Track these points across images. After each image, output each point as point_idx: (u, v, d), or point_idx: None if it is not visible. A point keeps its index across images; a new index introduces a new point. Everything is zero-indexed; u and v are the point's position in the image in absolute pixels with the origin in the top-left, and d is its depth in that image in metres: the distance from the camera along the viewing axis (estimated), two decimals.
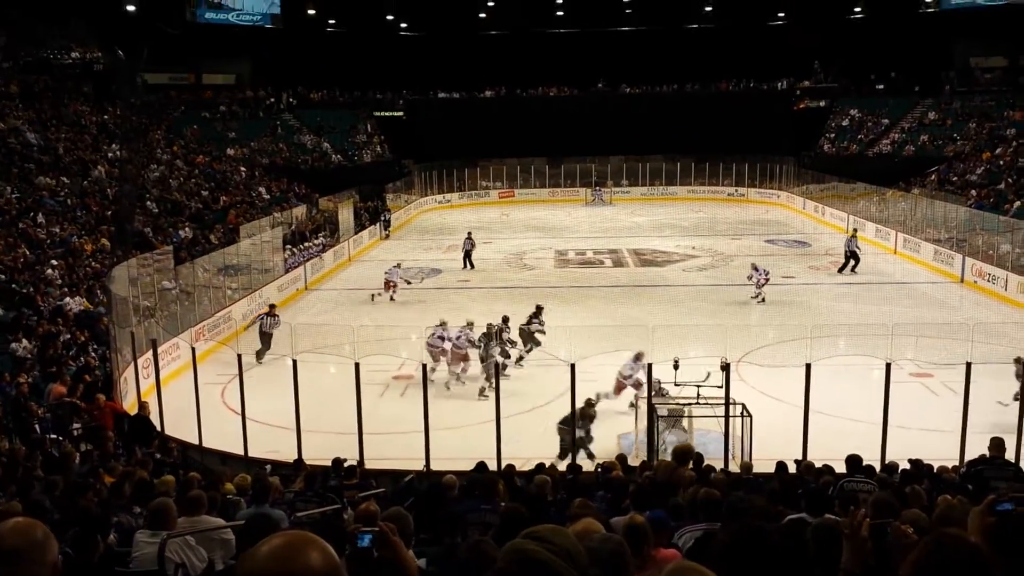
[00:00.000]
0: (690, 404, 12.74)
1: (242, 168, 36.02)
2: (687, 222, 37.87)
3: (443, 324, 16.57)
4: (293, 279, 24.51)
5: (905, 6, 44.76)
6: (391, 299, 22.89)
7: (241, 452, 12.37)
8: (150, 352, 14.57)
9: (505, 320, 16.97)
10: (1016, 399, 12.86)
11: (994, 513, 2.76)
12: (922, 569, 1.99)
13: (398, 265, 23.96)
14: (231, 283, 21.61)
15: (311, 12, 45.64)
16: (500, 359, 14.90)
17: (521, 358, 16.97)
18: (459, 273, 27.05)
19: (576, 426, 12.28)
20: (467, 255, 28.00)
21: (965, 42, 44.30)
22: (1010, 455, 10.86)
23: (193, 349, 14.15)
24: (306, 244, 27.45)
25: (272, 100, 45.44)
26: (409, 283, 23.63)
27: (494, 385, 14.15)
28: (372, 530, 2.55)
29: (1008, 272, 22.33)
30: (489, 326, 16.37)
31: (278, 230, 25.80)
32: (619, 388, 14.20)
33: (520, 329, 17.18)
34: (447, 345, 16.20)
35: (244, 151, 38.76)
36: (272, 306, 19.19)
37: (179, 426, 13.24)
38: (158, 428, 12.85)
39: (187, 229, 26.14)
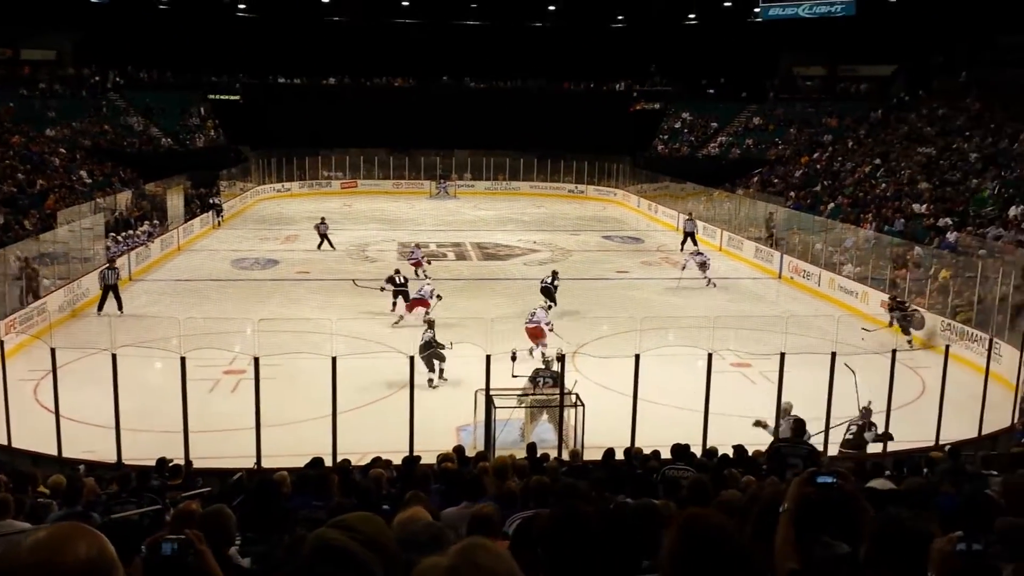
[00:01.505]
0: (527, 395, 13.01)
1: (62, 150, 33.73)
2: (529, 217, 38.51)
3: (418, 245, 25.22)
4: None
5: (734, 15, 47.21)
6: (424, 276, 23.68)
7: (55, 452, 11.60)
8: None
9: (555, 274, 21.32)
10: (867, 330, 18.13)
11: (814, 484, 2.96)
12: (676, 551, 2.08)
13: (418, 246, 25.89)
14: (47, 273, 20.19)
15: None
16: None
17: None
18: (298, 264, 26.46)
19: None
20: (325, 236, 28.86)
21: (788, 52, 47.25)
22: (817, 435, 11.70)
23: (1, 342, 13.12)
24: (131, 232, 26.00)
25: (97, 79, 42.72)
26: (429, 262, 25.43)
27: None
28: (177, 538, 2.45)
29: (821, 269, 23.99)
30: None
31: (100, 216, 24.34)
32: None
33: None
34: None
35: (65, 132, 36.27)
36: (111, 260, 21.60)
37: None
38: None
39: None
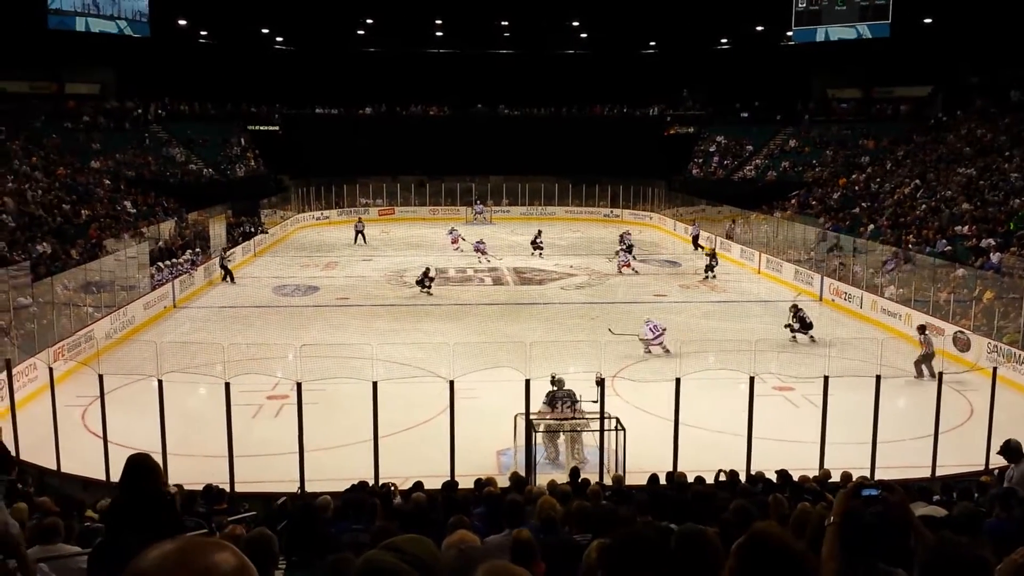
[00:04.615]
0: (567, 419, 12.99)
1: (107, 181, 34.48)
2: (565, 241, 38.51)
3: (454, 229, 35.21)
4: (160, 296, 23.56)
5: (766, 39, 47.18)
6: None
7: (103, 477, 11.78)
8: (3, 373, 13.73)
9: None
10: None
11: (858, 496, 2.94)
12: (741, 564, 2.07)
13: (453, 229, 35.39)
14: (92, 301, 20.60)
15: (182, 23, 44.26)
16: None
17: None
18: (338, 290, 26.73)
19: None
20: (360, 233, 36.09)
21: (822, 74, 47.09)
22: (863, 459, 11.55)
23: (51, 369, 13.41)
24: (175, 260, 26.45)
25: (139, 111, 43.69)
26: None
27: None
28: None
29: (863, 291, 23.70)
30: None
31: (144, 245, 24.82)
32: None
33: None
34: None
35: (109, 163, 37.10)
36: (224, 249, 29.14)
37: (37, 451, 12.48)
38: (14, 454, 12.07)
39: (45, 244, 24.77)
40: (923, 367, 17.01)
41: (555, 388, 13.27)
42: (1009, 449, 8.46)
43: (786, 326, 20.35)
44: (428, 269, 26.45)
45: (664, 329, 19.07)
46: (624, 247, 31.85)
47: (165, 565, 1.41)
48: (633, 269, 30.20)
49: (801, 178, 40.49)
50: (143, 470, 5.01)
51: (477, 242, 33.20)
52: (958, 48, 38.55)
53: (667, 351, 18.64)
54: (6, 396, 13.54)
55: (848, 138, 42.58)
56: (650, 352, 18.93)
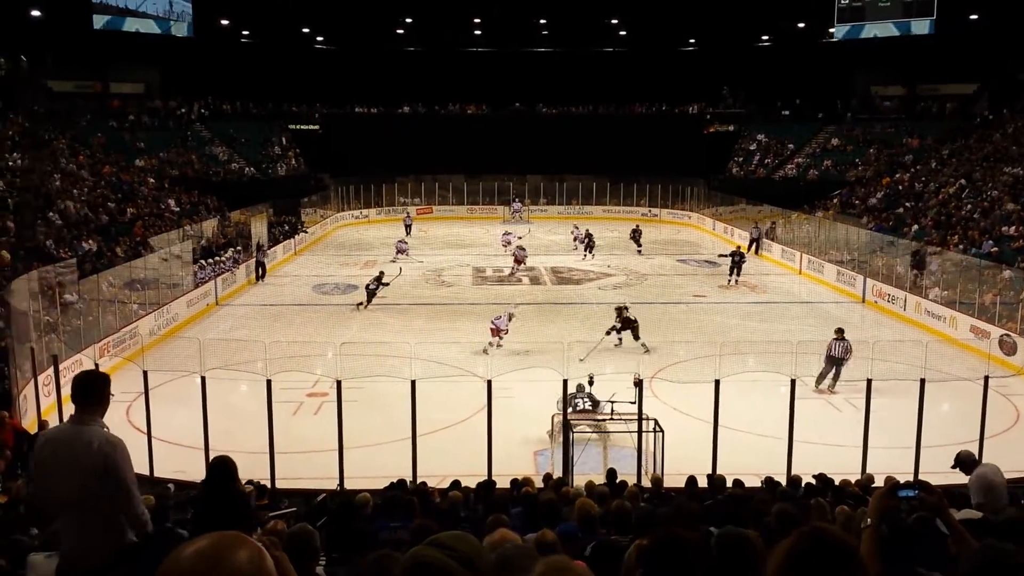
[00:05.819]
0: (605, 420, 12.95)
1: (151, 179, 35.03)
2: (602, 241, 38.18)
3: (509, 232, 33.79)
4: (203, 294, 23.90)
5: (808, 36, 46.59)
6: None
7: (147, 472, 11.98)
8: (51, 369, 14.01)
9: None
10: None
11: (894, 497, 2.88)
12: (791, 562, 2.01)
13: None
14: (137, 298, 20.95)
15: (224, 23, 44.83)
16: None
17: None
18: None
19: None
20: (408, 227, 37.30)
21: (865, 71, 46.39)
22: (906, 464, 11.36)
23: (97, 365, 13.66)
24: (217, 258, 26.80)
25: (183, 111, 44.34)
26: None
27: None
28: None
29: (906, 293, 23.32)
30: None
31: (188, 243, 25.17)
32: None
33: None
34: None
35: (153, 162, 37.69)
36: (261, 245, 29.54)
37: None
38: None
39: (91, 242, 25.24)
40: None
41: (578, 390, 13.26)
42: (961, 462, 8.29)
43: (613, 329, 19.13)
44: (382, 274, 24.12)
45: (505, 330, 18.94)
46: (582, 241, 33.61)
47: (201, 559, 1.52)
48: (517, 268, 29.69)
49: (844, 177, 39.94)
50: (226, 470, 5.72)
51: (400, 242, 33.12)
52: (1005, 44, 37.76)
53: (484, 351, 18.47)
54: (53, 391, 13.82)
55: (892, 136, 41.91)
56: (493, 342, 18.92)
